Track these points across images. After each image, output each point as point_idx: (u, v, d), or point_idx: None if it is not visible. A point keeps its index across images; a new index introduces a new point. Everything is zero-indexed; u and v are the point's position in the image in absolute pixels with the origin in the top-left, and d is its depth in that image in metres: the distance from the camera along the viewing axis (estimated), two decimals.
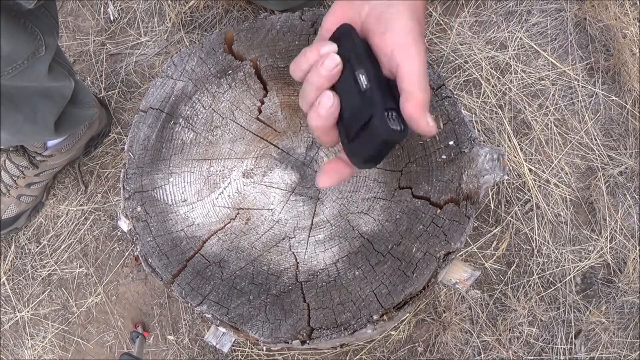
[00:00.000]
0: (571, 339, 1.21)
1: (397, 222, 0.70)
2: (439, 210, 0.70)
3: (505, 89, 1.31)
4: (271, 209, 0.71)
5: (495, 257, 1.24)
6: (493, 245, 1.24)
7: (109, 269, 1.27)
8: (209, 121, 0.74)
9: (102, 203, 1.30)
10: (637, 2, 1.35)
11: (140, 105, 0.75)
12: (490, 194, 1.26)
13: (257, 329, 0.67)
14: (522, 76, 1.32)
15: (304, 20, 0.76)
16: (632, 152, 1.29)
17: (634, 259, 1.23)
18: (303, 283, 0.68)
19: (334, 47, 0.51)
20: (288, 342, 0.67)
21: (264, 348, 1.17)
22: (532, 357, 1.20)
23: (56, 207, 1.31)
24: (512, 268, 1.24)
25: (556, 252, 1.24)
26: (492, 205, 1.26)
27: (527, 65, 1.33)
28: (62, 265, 1.28)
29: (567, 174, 1.28)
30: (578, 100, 1.31)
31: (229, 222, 0.71)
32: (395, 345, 1.21)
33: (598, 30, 1.35)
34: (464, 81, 1.32)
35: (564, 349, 1.20)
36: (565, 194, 1.27)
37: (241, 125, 0.74)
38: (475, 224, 1.25)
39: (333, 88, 0.51)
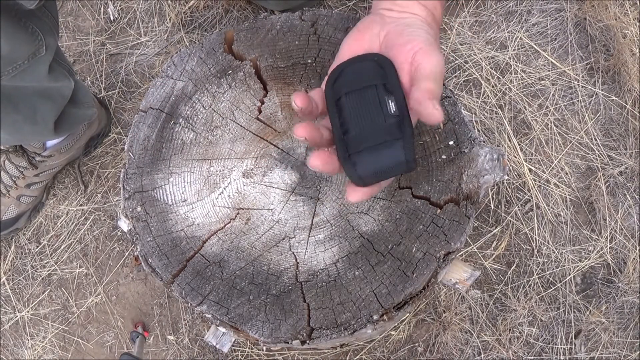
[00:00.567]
0: (571, 339, 1.21)
1: (397, 222, 0.70)
2: (439, 210, 0.70)
3: (505, 89, 1.31)
4: (271, 209, 0.71)
5: (495, 257, 1.24)
6: (493, 245, 1.24)
7: (109, 269, 1.27)
8: (209, 121, 0.74)
9: (102, 203, 1.30)
10: (637, 2, 1.35)
11: (140, 105, 0.75)
12: (490, 194, 1.26)
13: (257, 329, 0.67)
14: (522, 76, 1.32)
15: (304, 20, 0.76)
16: (632, 152, 1.29)
17: (634, 259, 1.23)
18: (303, 283, 0.68)
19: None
20: (288, 342, 0.67)
21: (264, 348, 1.17)
22: (532, 357, 1.20)
23: (56, 207, 1.31)
24: (512, 268, 1.24)
25: (556, 252, 1.24)
26: (492, 205, 1.26)
27: (527, 65, 1.33)
28: (62, 265, 1.28)
29: (567, 174, 1.28)
30: (578, 100, 1.31)
31: (229, 222, 0.71)
32: (395, 345, 1.21)
33: (598, 30, 1.35)
34: (464, 81, 1.32)
35: (564, 349, 1.20)
36: (565, 194, 1.27)
37: (241, 125, 0.74)
38: (475, 224, 1.25)
39: (350, 103, 0.55)
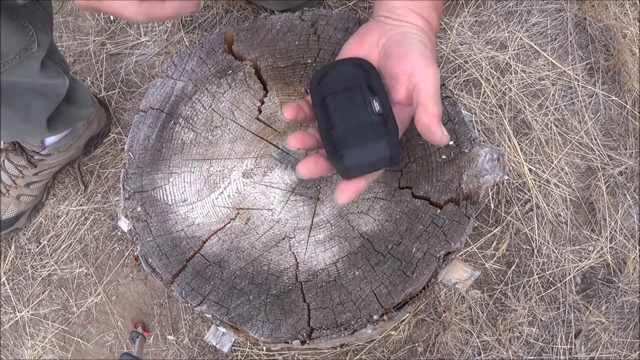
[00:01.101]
0: (571, 339, 1.21)
1: (397, 222, 0.70)
2: (439, 210, 0.70)
3: (505, 89, 1.31)
4: (271, 209, 0.71)
5: (495, 257, 1.24)
6: (493, 245, 1.24)
7: (109, 269, 1.27)
8: (209, 121, 0.74)
9: (102, 203, 1.30)
10: (637, 2, 1.35)
11: (140, 105, 0.75)
12: (490, 194, 1.26)
13: (257, 329, 0.67)
14: (522, 76, 1.32)
15: (304, 20, 0.76)
16: (632, 152, 1.29)
17: (634, 259, 1.23)
18: (303, 283, 0.68)
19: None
20: (288, 342, 0.67)
21: (264, 348, 1.17)
22: (532, 357, 1.20)
23: (56, 207, 1.31)
24: (512, 268, 1.24)
25: (556, 252, 1.24)
26: (492, 205, 1.26)
27: (527, 65, 1.33)
28: (62, 265, 1.28)
29: (567, 174, 1.28)
30: (578, 100, 1.31)
31: (229, 222, 0.71)
32: (395, 345, 1.21)
33: (598, 30, 1.35)
34: (464, 81, 1.32)
35: (564, 349, 1.20)
36: (565, 194, 1.27)
37: (241, 125, 0.74)
38: (475, 224, 1.25)
39: (336, 102, 0.58)
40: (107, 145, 1.33)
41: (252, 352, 1.20)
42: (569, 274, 1.23)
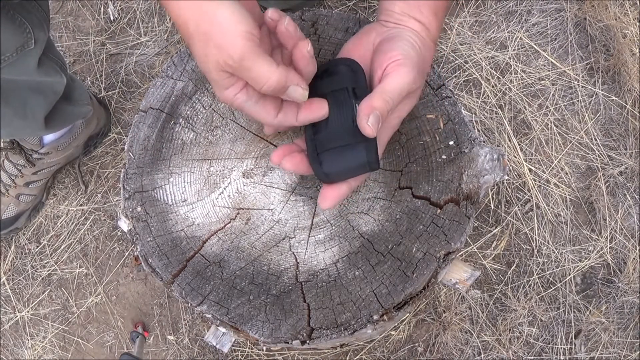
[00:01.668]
0: (571, 339, 1.21)
1: (397, 222, 0.70)
2: (439, 210, 0.70)
3: (505, 89, 1.31)
4: (271, 209, 0.71)
5: (495, 257, 1.24)
6: (493, 245, 1.24)
7: (109, 269, 1.27)
8: (209, 121, 0.74)
9: (102, 203, 1.30)
10: (637, 2, 1.35)
11: (140, 105, 0.75)
12: (490, 194, 1.26)
13: (257, 329, 0.67)
14: (522, 76, 1.32)
15: (304, 20, 0.76)
16: (632, 152, 1.29)
17: (634, 259, 1.23)
18: (303, 283, 0.68)
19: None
20: (288, 342, 0.67)
21: (264, 348, 1.17)
22: (532, 357, 1.20)
23: (56, 207, 1.31)
24: (512, 268, 1.24)
25: (556, 252, 1.24)
26: (492, 205, 1.26)
27: (527, 65, 1.33)
28: (62, 265, 1.28)
29: (567, 174, 1.28)
30: (578, 100, 1.31)
31: (229, 222, 0.71)
32: (395, 345, 1.21)
33: (598, 30, 1.35)
34: (464, 81, 1.32)
35: (564, 349, 1.20)
36: (565, 194, 1.27)
37: (241, 125, 0.74)
38: (475, 224, 1.25)
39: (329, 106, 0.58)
40: (107, 145, 1.33)
41: (252, 352, 1.20)
42: (569, 274, 1.23)
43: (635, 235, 1.25)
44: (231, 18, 0.51)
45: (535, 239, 1.24)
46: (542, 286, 1.23)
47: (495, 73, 1.32)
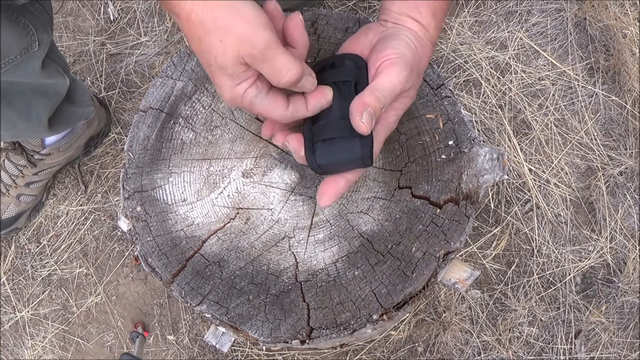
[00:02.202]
0: (571, 339, 1.21)
1: (396, 221, 0.70)
2: (438, 210, 0.70)
3: (505, 89, 1.31)
4: (271, 209, 0.71)
5: (495, 257, 1.24)
6: (493, 245, 1.24)
7: (109, 269, 1.27)
8: (209, 121, 0.74)
9: (102, 203, 1.30)
10: (637, 2, 1.35)
11: (140, 105, 0.75)
12: (490, 194, 1.26)
13: (256, 329, 0.67)
14: (522, 76, 1.32)
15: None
16: (632, 152, 1.29)
17: (634, 259, 1.23)
18: (303, 283, 0.68)
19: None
20: (288, 342, 0.67)
21: (264, 348, 1.17)
22: (532, 357, 1.20)
23: (56, 207, 1.31)
24: (512, 268, 1.24)
25: (556, 252, 1.24)
26: (492, 205, 1.26)
27: (527, 65, 1.33)
28: (62, 265, 1.28)
29: (567, 174, 1.28)
30: (578, 100, 1.31)
31: (229, 222, 0.71)
32: (395, 345, 1.21)
33: (598, 30, 1.35)
34: (464, 81, 1.32)
35: (564, 349, 1.20)
36: (565, 194, 1.27)
37: (241, 125, 0.74)
38: (475, 224, 1.25)
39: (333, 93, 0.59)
40: (107, 145, 1.33)
41: (251, 352, 1.20)
42: (569, 274, 1.23)
43: (635, 235, 1.25)
44: (251, 10, 0.51)
45: (535, 239, 1.24)
46: (542, 286, 1.23)
47: (495, 73, 1.32)
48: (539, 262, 1.23)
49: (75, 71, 1.36)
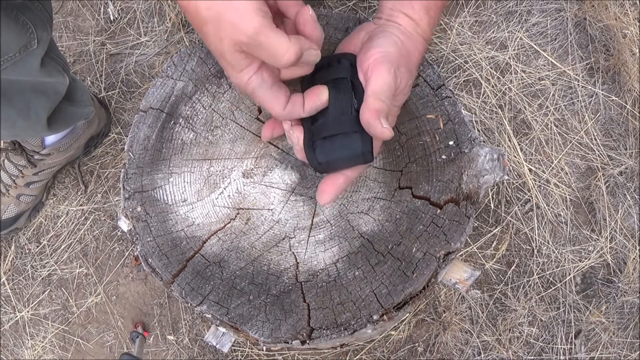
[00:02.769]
0: (571, 339, 1.21)
1: (397, 222, 0.70)
2: (439, 210, 0.70)
3: (505, 89, 1.31)
4: (271, 209, 0.71)
5: (495, 257, 1.24)
6: (493, 245, 1.24)
7: (109, 269, 1.27)
8: (209, 121, 0.74)
9: (102, 203, 1.30)
10: (637, 2, 1.35)
11: (140, 105, 0.75)
12: (490, 194, 1.26)
13: (257, 329, 0.67)
14: (522, 76, 1.32)
15: None
16: (632, 152, 1.29)
17: (634, 259, 1.23)
18: (303, 283, 0.68)
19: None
20: (288, 342, 0.67)
21: (264, 348, 1.17)
22: (532, 357, 1.20)
23: (56, 207, 1.31)
24: (512, 268, 1.24)
25: (556, 252, 1.24)
26: (492, 205, 1.26)
27: (527, 65, 1.33)
28: (62, 265, 1.28)
29: (567, 174, 1.28)
30: (578, 100, 1.31)
31: (229, 222, 0.71)
32: (395, 345, 1.21)
33: (598, 30, 1.35)
34: (464, 81, 1.32)
35: (564, 349, 1.20)
36: (565, 194, 1.27)
37: (241, 126, 0.74)
38: (475, 224, 1.25)
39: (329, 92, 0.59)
40: (107, 145, 1.33)
41: (252, 352, 1.20)
42: (569, 274, 1.23)
43: (635, 235, 1.25)
44: None
45: (535, 239, 1.24)
46: (542, 286, 1.23)
47: (495, 73, 1.32)
48: (539, 262, 1.23)
49: (75, 71, 1.36)
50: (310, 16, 0.55)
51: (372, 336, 1.16)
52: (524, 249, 1.25)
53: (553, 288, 1.23)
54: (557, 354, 1.20)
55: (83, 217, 1.29)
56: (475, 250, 1.24)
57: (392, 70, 0.57)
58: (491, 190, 1.27)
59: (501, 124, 1.29)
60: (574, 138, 1.29)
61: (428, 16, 0.62)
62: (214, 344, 0.83)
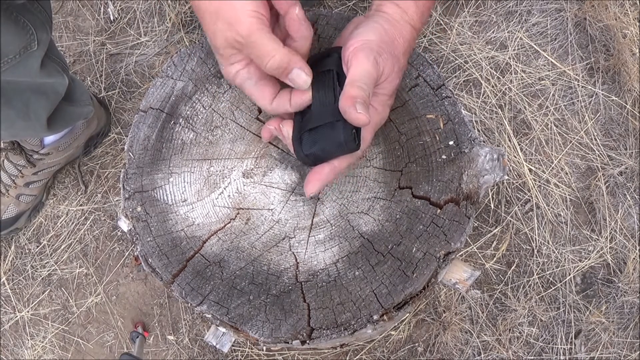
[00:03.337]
0: (571, 339, 1.21)
1: (397, 222, 0.70)
2: (439, 210, 0.70)
3: (505, 89, 1.31)
4: (271, 209, 0.71)
5: (495, 257, 1.24)
6: (493, 245, 1.24)
7: (109, 269, 1.27)
8: (209, 121, 0.74)
9: (102, 203, 1.30)
10: (637, 2, 1.35)
11: (140, 105, 0.75)
12: (490, 194, 1.26)
13: (257, 329, 0.67)
14: (522, 76, 1.32)
15: None
16: (632, 152, 1.29)
17: (634, 259, 1.23)
18: (303, 283, 0.68)
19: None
20: (288, 342, 0.67)
21: (264, 348, 1.17)
22: (532, 357, 1.20)
23: (56, 207, 1.31)
24: (512, 268, 1.24)
25: (556, 252, 1.24)
26: (492, 205, 1.26)
27: (527, 65, 1.33)
28: (62, 265, 1.28)
29: (567, 174, 1.28)
30: (578, 100, 1.31)
31: (229, 222, 0.71)
32: (395, 345, 1.21)
33: (598, 30, 1.35)
34: (464, 81, 1.32)
35: (564, 349, 1.20)
36: (565, 194, 1.27)
37: (241, 125, 0.74)
38: (475, 224, 1.25)
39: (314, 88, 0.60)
40: (107, 145, 1.33)
41: (252, 352, 1.20)
42: (569, 274, 1.23)
43: (635, 235, 1.25)
44: None
45: (535, 239, 1.24)
46: (542, 286, 1.23)
47: (495, 73, 1.32)
48: (539, 262, 1.23)
49: (75, 71, 1.36)
50: (297, 15, 0.57)
51: (372, 336, 1.16)
52: (524, 249, 1.25)
53: (553, 288, 1.23)
54: (557, 354, 1.20)
55: (83, 217, 1.29)
56: (475, 250, 1.24)
57: (372, 57, 0.57)
58: (491, 190, 1.27)
59: (501, 124, 1.29)
60: (574, 138, 1.29)
61: (416, 6, 0.63)
62: (214, 344, 0.83)
